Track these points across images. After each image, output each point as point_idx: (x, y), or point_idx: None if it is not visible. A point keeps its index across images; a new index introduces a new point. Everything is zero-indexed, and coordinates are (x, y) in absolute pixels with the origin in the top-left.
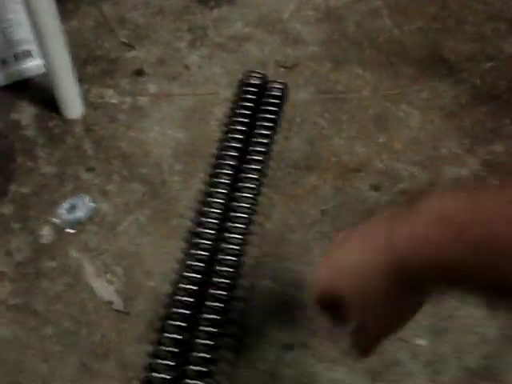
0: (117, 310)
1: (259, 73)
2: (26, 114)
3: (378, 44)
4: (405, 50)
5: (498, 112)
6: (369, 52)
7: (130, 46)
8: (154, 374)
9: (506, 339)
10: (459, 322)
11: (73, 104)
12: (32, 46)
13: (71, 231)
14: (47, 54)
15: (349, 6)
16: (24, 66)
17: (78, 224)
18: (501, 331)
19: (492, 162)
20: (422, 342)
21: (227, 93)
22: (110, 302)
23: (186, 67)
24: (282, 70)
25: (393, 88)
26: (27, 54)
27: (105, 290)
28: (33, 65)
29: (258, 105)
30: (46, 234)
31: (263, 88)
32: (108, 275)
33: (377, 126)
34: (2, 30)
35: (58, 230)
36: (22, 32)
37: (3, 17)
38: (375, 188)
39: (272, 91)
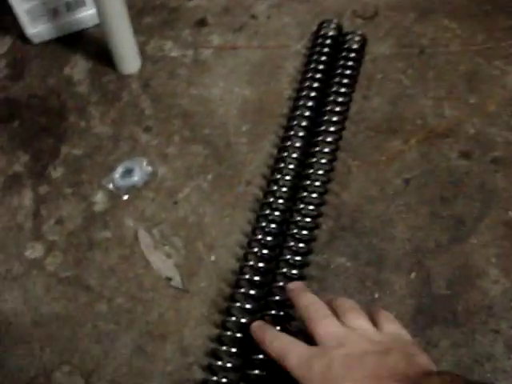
0: (175, 287)
1: (335, 23)
2: (78, 68)
3: None
4: None
5: None
6: (459, 0)
7: None
8: (218, 362)
9: None
10: None
11: (129, 58)
12: None
13: (126, 198)
14: (100, 4)
15: None
16: (77, 16)
17: (134, 190)
18: None
19: None
20: None
21: (299, 46)
22: (168, 278)
23: (253, 17)
24: (360, 20)
25: (486, 42)
26: (80, 3)
27: (163, 264)
28: (86, 15)
29: (333, 59)
30: (99, 200)
31: (339, 40)
32: (166, 247)
33: (468, 85)
34: None
35: (113, 196)
36: None
37: None
38: (465, 155)
39: (349, 44)
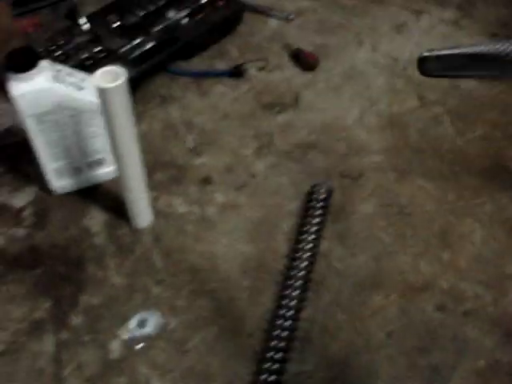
0: None
1: (325, 186)
2: (96, 220)
3: (440, 153)
4: (467, 160)
5: None
6: (432, 162)
7: (197, 153)
8: None
9: None
10: None
11: (142, 213)
12: (105, 155)
13: (140, 347)
14: (122, 166)
15: (411, 113)
16: (95, 172)
17: (147, 339)
18: None
19: None
20: None
21: (293, 205)
22: None
23: (253, 176)
24: (347, 180)
25: (456, 201)
26: (100, 162)
27: None
28: (104, 172)
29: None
30: (115, 348)
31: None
32: None
33: (441, 242)
34: (80, 141)
35: (127, 344)
36: (98, 143)
37: (82, 130)
38: (440, 309)
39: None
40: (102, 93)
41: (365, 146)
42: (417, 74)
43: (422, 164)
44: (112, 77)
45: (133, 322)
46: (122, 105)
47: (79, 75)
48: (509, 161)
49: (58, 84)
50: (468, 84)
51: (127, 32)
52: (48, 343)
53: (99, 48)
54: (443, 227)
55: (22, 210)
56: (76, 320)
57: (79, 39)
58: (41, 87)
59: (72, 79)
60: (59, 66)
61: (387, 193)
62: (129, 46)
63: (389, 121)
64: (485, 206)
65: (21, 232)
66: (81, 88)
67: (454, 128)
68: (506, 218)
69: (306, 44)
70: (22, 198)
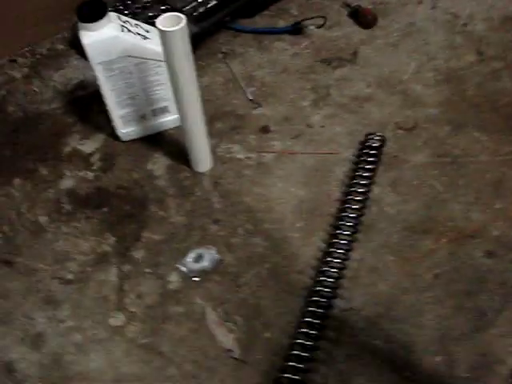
0: (235, 358)
1: (378, 135)
2: (159, 164)
3: (497, 107)
4: None
5: None
6: (488, 115)
7: (256, 104)
8: None
9: None
10: None
11: (203, 158)
12: (169, 103)
13: (197, 279)
14: (184, 113)
15: (469, 67)
16: (160, 120)
17: (203, 273)
18: None
19: None
20: None
21: (348, 153)
22: (229, 350)
23: (309, 126)
24: (401, 132)
25: (511, 153)
26: (164, 110)
27: (225, 337)
28: (168, 119)
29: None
30: (173, 280)
31: (380, 149)
32: (229, 324)
33: (493, 192)
34: (145, 89)
35: (185, 277)
36: (162, 91)
37: (148, 78)
38: (489, 255)
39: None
40: (164, 36)
41: (420, 99)
42: (477, 29)
43: (478, 117)
44: (173, 22)
45: (190, 257)
46: (182, 48)
47: (145, 26)
48: None
49: (124, 33)
50: None
51: None
52: (112, 274)
53: (165, 6)
54: (496, 178)
55: (91, 155)
56: (138, 254)
57: None
58: (109, 36)
59: (138, 30)
60: (126, 18)
61: (441, 144)
62: (193, 4)
63: (446, 75)
64: None
65: (89, 175)
66: (146, 38)
67: None
68: None
69: (365, 2)
70: (91, 145)
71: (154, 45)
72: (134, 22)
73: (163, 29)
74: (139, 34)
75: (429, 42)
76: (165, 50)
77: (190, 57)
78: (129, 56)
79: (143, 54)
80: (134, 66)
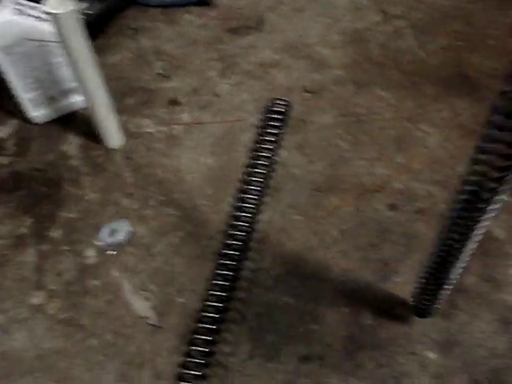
0: (152, 324)
1: (283, 100)
2: (72, 144)
3: (401, 65)
4: (428, 70)
5: None
6: (392, 73)
7: (165, 77)
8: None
9: None
10: (469, 336)
11: (113, 135)
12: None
13: (112, 253)
14: (87, 93)
15: (374, 28)
16: (70, 100)
17: (118, 246)
18: (510, 345)
19: None
20: (431, 355)
21: (255, 119)
22: (145, 317)
23: (217, 95)
24: (308, 95)
25: (414, 108)
26: (73, 90)
27: (141, 306)
28: (78, 99)
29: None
30: (90, 255)
31: (285, 113)
32: (144, 293)
33: (397, 147)
34: (50, 71)
35: (101, 251)
36: (68, 71)
37: (50, 60)
38: (392, 208)
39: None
40: (55, 18)
41: (326, 61)
42: None
43: (382, 76)
44: (63, 4)
45: (105, 232)
46: (74, 30)
47: (42, 8)
48: (469, 69)
49: (21, 16)
50: None
51: None
52: (31, 255)
53: None
54: (400, 133)
55: (4, 140)
56: (55, 233)
57: None
58: (4, 20)
59: (35, 12)
60: (22, 1)
61: (346, 104)
62: None
63: (351, 37)
64: (442, 112)
65: (4, 160)
66: (44, 20)
67: (416, 40)
68: (462, 122)
69: None
70: (4, 131)
71: (52, 27)
72: (31, 4)
73: (52, 11)
74: (37, 16)
75: (335, 5)
76: (58, 32)
77: (85, 37)
78: (27, 39)
79: (41, 36)
80: (35, 49)
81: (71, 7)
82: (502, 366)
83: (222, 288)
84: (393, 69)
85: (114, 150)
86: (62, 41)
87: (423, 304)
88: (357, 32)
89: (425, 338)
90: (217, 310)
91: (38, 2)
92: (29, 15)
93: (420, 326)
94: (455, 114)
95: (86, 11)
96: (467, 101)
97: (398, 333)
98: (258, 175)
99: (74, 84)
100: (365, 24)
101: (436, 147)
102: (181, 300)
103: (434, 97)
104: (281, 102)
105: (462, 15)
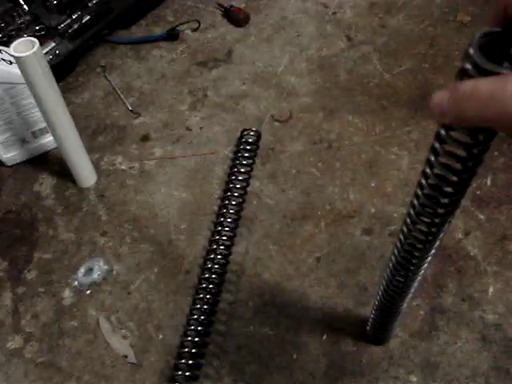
0: (131, 363)
1: (253, 130)
2: (45, 185)
3: (369, 89)
4: (395, 93)
5: None
6: (360, 98)
7: (136, 114)
8: None
9: (498, 371)
10: (451, 356)
11: (85, 174)
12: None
13: (89, 292)
14: (57, 134)
15: (340, 54)
16: (42, 141)
17: (94, 285)
18: (493, 363)
19: (481, 197)
20: (414, 378)
21: (227, 151)
22: (125, 356)
23: (188, 129)
24: (277, 123)
25: (383, 132)
26: (44, 131)
27: (120, 344)
28: (49, 140)
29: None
30: (66, 296)
31: (255, 144)
32: (123, 331)
33: (369, 171)
34: (20, 114)
35: (77, 291)
36: (38, 113)
37: (20, 102)
38: (367, 232)
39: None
40: (19, 61)
41: (295, 89)
42: (346, 17)
43: (351, 101)
44: (28, 46)
45: (81, 271)
46: (40, 71)
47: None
48: (435, 90)
49: None
50: (396, 21)
51: (65, 8)
52: (6, 298)
53: (40, 26)
54: (371, 157)
55: None
56: (31, 275)
57: (21, 20)
58: None
59: (2, 55)
60: None
61: (316, 131)
62: (67, 22)
63: (318, 64)
64: (411, 134)
65: None
66: (12, 62)
67: (382, 64)
68: (431, 143)
69: (238, 1)
70: None
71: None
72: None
73: (16, 54)
74: (3, 60)
75: (301, 33)
76: (24, 75)
77: (51, 78)
78: None
79: (9, 79)
80: (3, 92)
81: (35, 50)
82: None
83: (200, 322)
84: (361, 93)
85: (88, 188)
86: (28, 83)
87: (379, 333)
88: (324, 59)
89: (406, 361)
90: (196, 344)
91: (6, 46)
92: None
93: (401, 349)
94: (424, 135)
95: (54, 52)
96: (435, 122)
97: (379, 357)
98: (232, 207)
99: (44, 125)
100: (331, 51)
101: (407, 169)
102: (160, 336)
103: (403, 119)
104: (251, 133)
105: (425, 38)
